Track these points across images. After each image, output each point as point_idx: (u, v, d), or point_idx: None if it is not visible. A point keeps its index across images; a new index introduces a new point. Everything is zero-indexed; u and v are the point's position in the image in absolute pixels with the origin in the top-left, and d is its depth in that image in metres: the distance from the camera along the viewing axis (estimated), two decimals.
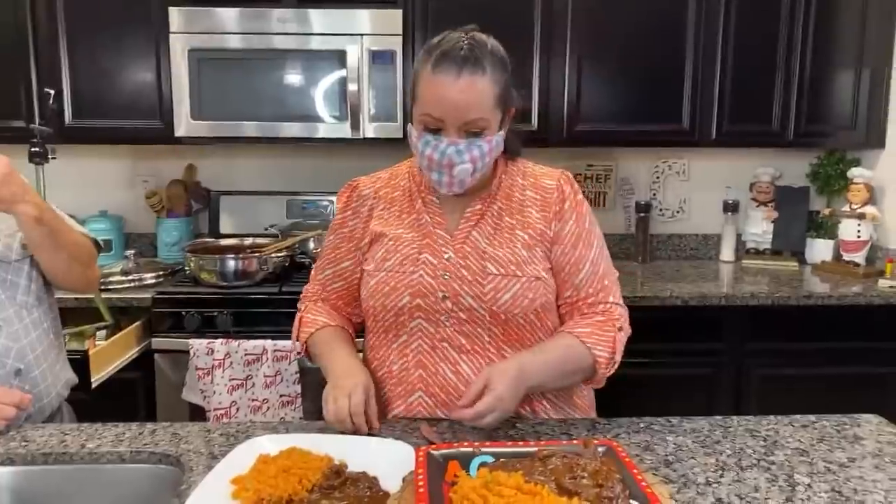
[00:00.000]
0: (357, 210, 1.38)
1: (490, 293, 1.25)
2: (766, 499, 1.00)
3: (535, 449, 0.99)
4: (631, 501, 0.88)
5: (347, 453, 1.08)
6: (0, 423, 1.22)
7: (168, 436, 1.20)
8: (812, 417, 1.27)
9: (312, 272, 1.46)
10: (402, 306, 1.27)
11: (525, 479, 0.90)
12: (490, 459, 0.98)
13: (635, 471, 0.93)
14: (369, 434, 1.17)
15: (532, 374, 1.18)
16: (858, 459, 1.12)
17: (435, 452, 0.99)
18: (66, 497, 1.13)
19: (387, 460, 1.05)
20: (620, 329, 1.29)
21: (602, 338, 1.26)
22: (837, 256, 2.78)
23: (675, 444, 1.17)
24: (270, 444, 1.11)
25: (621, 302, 1.33)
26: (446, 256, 1.28)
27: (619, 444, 1.01)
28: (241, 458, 1.07)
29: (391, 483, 1.00)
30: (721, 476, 1.06)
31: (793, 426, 1.24)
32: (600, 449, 0.99)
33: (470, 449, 1.00)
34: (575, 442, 1.02)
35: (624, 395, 1.75)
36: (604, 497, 0.88)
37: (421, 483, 0.90)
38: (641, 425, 1.24)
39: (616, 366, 1.28)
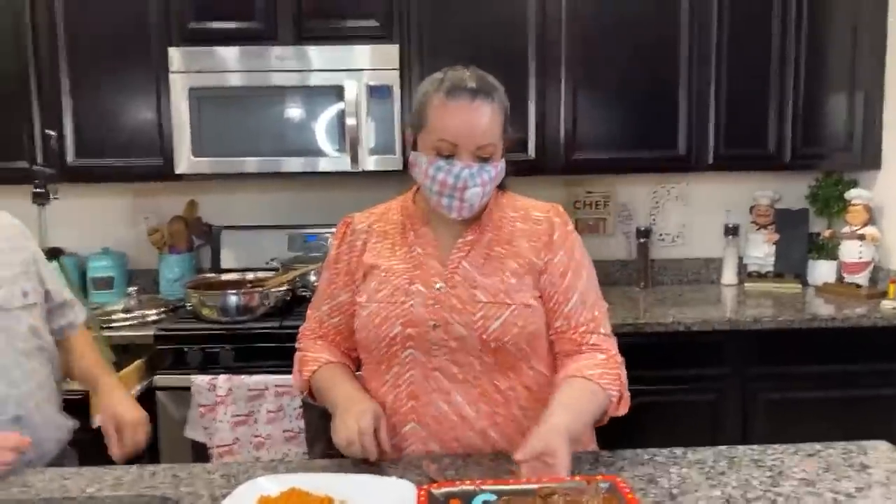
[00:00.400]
0: (352, 244, 1.39)
1: (480, 321, 1.25)
2: None
3: (538, 486, 0.99)
4: None
5: (348, 493, 1.07)
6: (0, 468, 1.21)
7: (168, 478, 1.19)
8: (818, 445, 1.26)
9: (308, 311, 1.46)
10: (393, 336, 1.27)
11: None
12: (492, 498, 0.97)
13: None
14: (380, 460, 1.18)
15: (574, 432, 1.15)
16: (866, 489, 1.10)
17: (436, 491, 0.98)
18: None
19: (388, 499, 1.04)
20: (621, 363, 1.30)
21: (612, 379, 1.26)
22: (840, 278, 2.77)
23: (679, 476, 1.16)
24: (270, 486, 1.10)
25: (611, 333, 1.34)
26: (437, 286, 1.29)
27: (623, 479, 1.00)
28: (242, 501, 1.06)
29: None
30: None
31: (798, 455, 1.23)
32: (603, 485, 0.99)
33: (472, 487, 1.00)
34: (577, 478, 1.02)
35: (628, 423, 1.72)
36: None
37: None
38: (646, 457, 1.23)
39: (627, 405, 1.29)
